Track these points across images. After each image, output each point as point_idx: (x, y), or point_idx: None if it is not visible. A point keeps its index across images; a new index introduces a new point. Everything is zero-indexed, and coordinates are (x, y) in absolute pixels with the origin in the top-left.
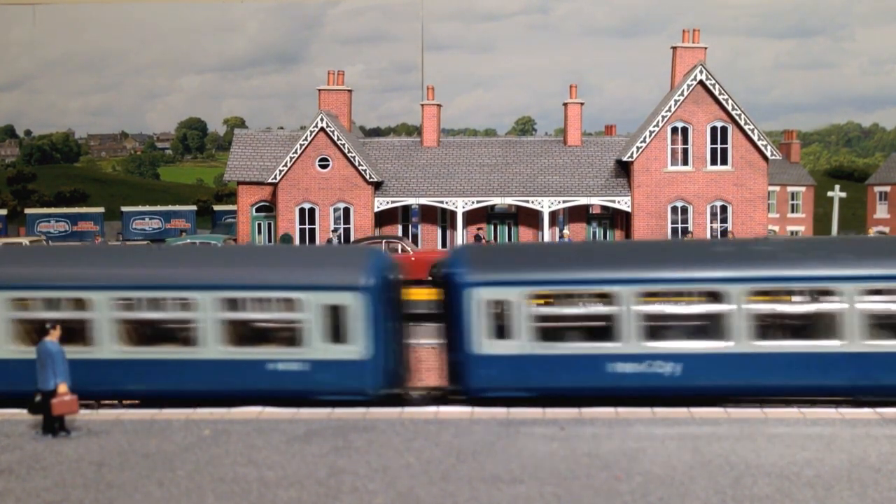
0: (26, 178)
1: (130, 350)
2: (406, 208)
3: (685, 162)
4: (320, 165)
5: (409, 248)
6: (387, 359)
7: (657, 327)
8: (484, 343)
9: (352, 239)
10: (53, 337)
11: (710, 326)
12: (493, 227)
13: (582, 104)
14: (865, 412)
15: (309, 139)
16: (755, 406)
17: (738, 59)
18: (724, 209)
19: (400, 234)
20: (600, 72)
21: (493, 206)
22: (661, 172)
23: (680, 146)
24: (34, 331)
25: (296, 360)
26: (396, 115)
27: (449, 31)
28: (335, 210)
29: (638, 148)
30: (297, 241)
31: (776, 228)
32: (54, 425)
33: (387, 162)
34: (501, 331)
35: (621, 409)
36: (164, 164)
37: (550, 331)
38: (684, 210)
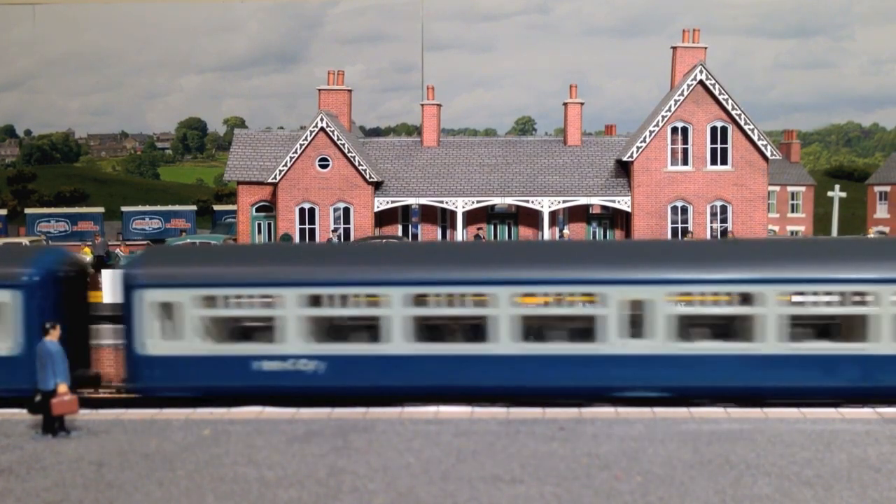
0: (26, 178)
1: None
2: (406, 208)
3: (685, 162)
4: (320, 165)
5: None
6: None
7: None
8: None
9: (352, 238)
10: (53, 337)
11: (359, 328)
12: (493, 227)
13: (582, 104)
14: (865, 412)
15: (309, 139)
16: (756, 406)
17: (738, 59)
18: (724, 209)
19: (400, 233)
20: (600, 72)
21: (493, 206)
22: (661, 172)
23: (680, 146)
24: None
25: None
26: (396, 115)
27: (449, 31)
28: (335, 210)
29: (638, 148)
30: (297, 241)
31: (776, 228)
32: (54, 425)
33: (387, 162)
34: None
35: (621, 409)
36: (164, 164)
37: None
38: (684, 210)
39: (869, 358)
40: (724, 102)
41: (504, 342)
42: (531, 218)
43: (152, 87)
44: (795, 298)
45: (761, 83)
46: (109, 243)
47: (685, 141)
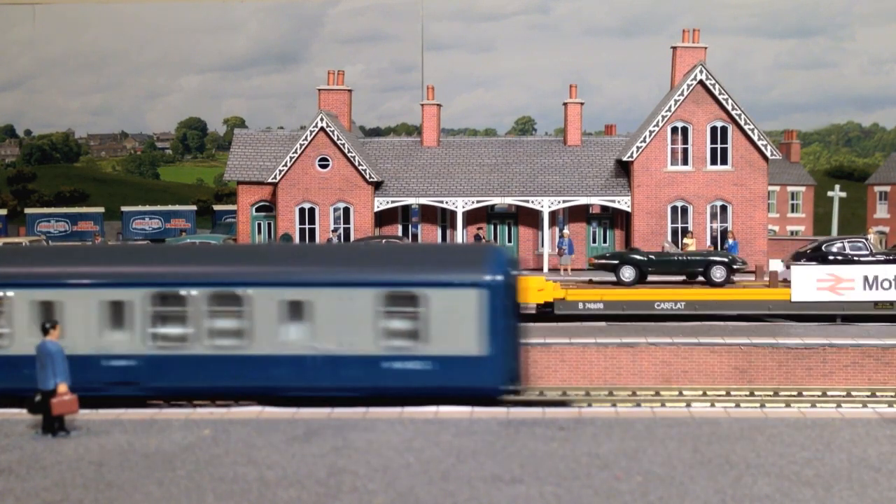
0: (26, 177)
1: None
2: (406, 208)
3: (685, 162)
4: (320, 165)
5: None
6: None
7: None
8: None
9: (352, 239)
10: (53, 337)
11: None
12: (493, 227)
13: (582, 104)
14: (866, 412)
15: (309, 139)
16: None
17: (738, 59)
18: (724, 209)
19: (400, 233)
20: (600, 72)
21: (493, 206)
22: (661, 172)
23: (680, 146)
24: None
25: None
26: (396, 115)
27: (449, 31)
28: (335, 210)
29: (638, 148)
30: (297, 241)
31: (776, 228)
32: (54, 425)
33: (387, 162)
34: None
35: (621, 409)
36: (164, 163)
37: None
38: (684, 210)
39: None
40: (724, 102)
41: None
42: (531, 218)
43: (152, 87)
44: None
45: (761, 83)
46: (110, 243)
47: (685, 141)
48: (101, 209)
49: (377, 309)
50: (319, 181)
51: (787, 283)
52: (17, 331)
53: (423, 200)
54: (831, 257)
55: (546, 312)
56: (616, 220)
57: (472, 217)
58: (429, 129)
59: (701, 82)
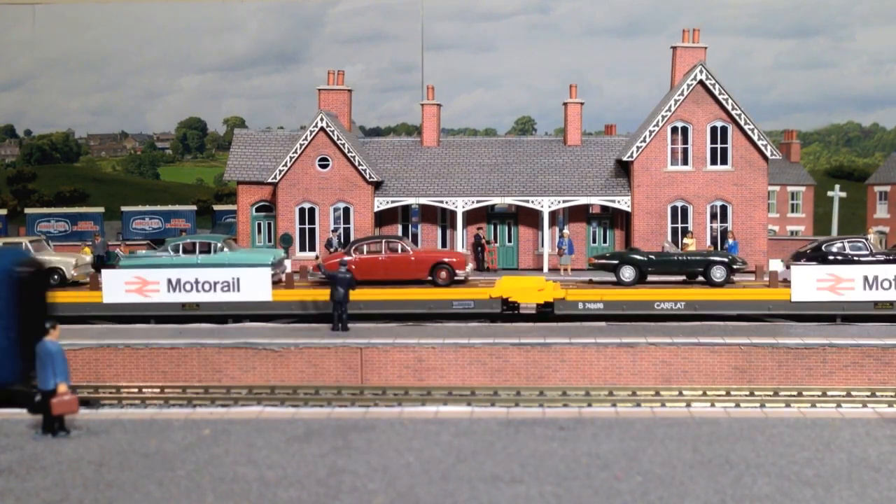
0: (26, 177)
1: None
2: (406, 208)
3: (685, 162)
4: (320, 165)
5: (408, 248)
6: None
7: None
8: None
9: (352, 238)
10: (53, 336)
11: None
12: (493, 227)
13: (582, 104)
14: (866, 412)
15: (309, 139)
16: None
17: (738, 59)
18: (724, 209)
19: (400, 233)
20: (600, 72)
21: (493, 206)
22: (661, 172)
23: (680, 146)
24: None
25: None
26: (396, 114)
27: (449, 30)
28: (335, 210)
29: (638, 148)
30: (297, 241)
31: (776, 228)
32: (54, 425)
33: (387, 162)
34: None
35: (621, 409)
36: (164, 163)
37: None
38: (684, 210)
39: None
40: (724, 102)
41: None
42: (531, 218)
43: (152, 87)
44: None
45: (761, 83)
46: (109, 243)
47: (685, 141)
48: (101, 209)
49: None
50: (319, 181)
51: (787, 283)
52: None
53: (423, 200)
54: (831, 257)
55: (546, 312)
56: (616, 220)
57: (472, 217)
58: (429, 129)
59: (701, 82)
